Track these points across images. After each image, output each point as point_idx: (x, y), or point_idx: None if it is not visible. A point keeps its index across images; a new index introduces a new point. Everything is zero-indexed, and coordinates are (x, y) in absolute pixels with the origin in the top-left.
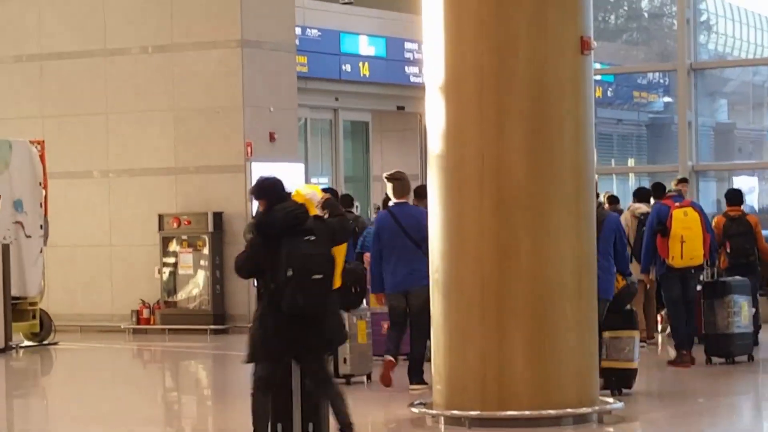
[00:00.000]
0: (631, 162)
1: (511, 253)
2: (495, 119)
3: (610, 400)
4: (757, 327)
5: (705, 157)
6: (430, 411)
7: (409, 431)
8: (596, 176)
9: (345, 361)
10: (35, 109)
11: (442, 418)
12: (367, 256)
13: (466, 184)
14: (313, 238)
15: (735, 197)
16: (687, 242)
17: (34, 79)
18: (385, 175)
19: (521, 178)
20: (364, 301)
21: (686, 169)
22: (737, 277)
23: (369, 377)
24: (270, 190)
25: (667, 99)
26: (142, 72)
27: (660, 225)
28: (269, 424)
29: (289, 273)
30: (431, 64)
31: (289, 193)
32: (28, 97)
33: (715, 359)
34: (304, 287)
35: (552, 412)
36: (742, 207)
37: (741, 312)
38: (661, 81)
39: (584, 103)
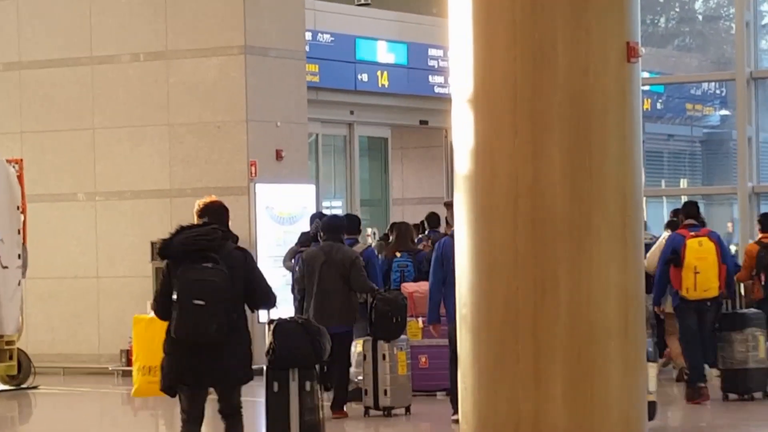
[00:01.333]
0: (683, 183)
1: (548, 286)
2: (530, 135)
3: None
4: None
5: (767, 178)
6: None
7: None
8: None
9: (386, 393)
10: (13, 123)
11: None
12: (406, 286)
13: (498, 208)
14: (209, 265)
15: None
16: (701, 273)
17: (12, 90)
18: (446, 201)
19: (560, 201)
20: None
21: (746, 190)
22: (752, 309)
23: (408, 410)
24: (203, 213)
25: (724, 112)
26: (133, 82)
27: (674, 254)
28: None
29: (174, 297)
30: (458, 73)
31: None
32: (5, 111)
33: (731, 395)
34: (185, 312)
35: None
36: None
37: (759, 346)
38: (718, 92)
39: (631, 117)
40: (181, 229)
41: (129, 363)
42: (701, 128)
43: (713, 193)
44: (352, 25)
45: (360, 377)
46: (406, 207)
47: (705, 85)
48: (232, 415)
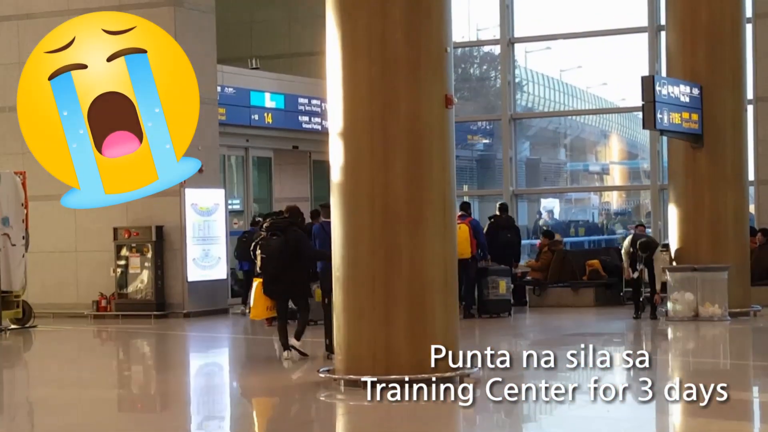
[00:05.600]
0: (465, 187)
1: (394, 258)
2: (382, 156)
3: (468, 365)
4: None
5: (521, 184)
6: (334, 375)
7: (316, 392)
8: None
9: None
10: (18, 147)
11: (343, 381)
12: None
13: (360, 205)
14: (275, 237)
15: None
16: (459, 244)
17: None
18: (321, 203)
19: (402, 200)
20: None
21: (508, 193)
22: (494, 264)
23: None
24: (286, 211)
25: (486, 141)
26: None
27: None
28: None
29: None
30: (333, 115)
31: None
32: (12, 139)
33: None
34: (261, 261)
35: (425, 375)
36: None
37: (498, 286)
38: (487, 127)
39: (448, 145)
40: (268, 216)
41: (99, 309)
42: (477, 151)
43: (484, 194)
44: (247, 81)
45: None
46: (282, 203)
47: (479, 123)
48: (299, 309)
